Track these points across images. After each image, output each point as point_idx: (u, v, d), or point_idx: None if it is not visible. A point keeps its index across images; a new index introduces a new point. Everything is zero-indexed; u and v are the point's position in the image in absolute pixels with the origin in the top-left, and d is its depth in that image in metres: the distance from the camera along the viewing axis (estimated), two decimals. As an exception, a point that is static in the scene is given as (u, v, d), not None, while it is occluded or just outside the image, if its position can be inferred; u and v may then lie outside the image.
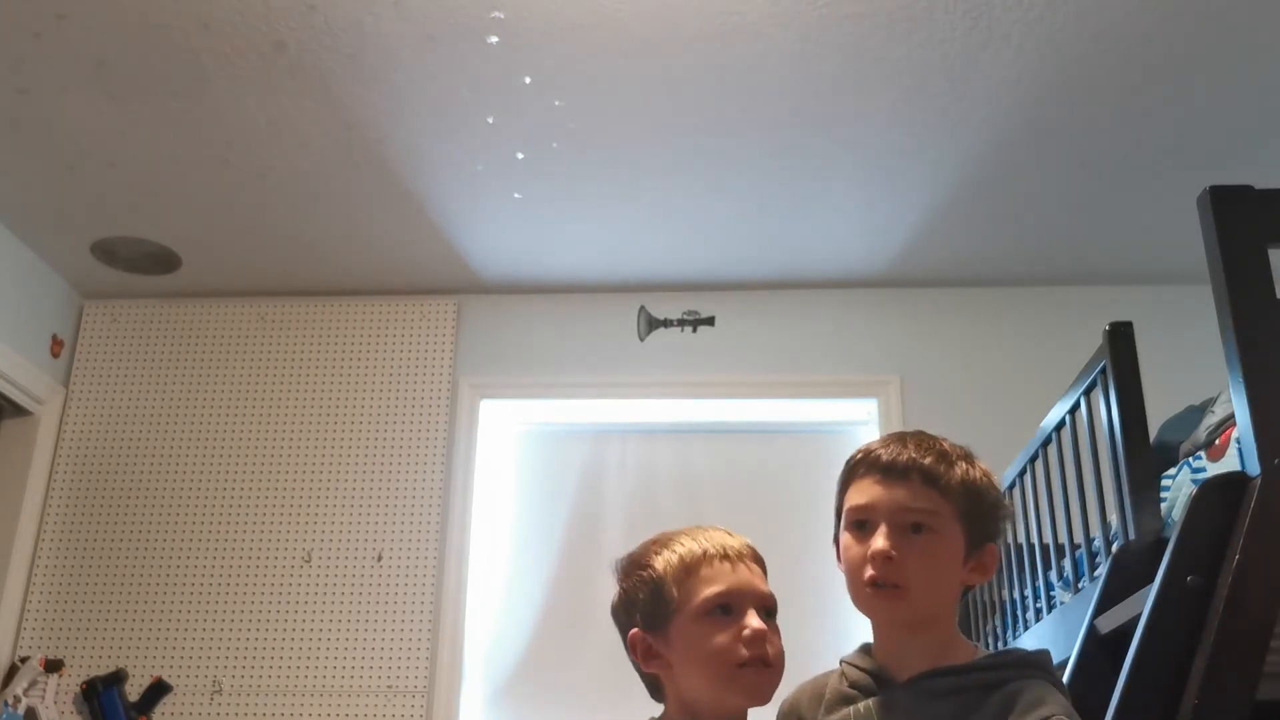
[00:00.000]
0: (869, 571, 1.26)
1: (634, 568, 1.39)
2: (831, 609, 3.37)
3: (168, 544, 3.64)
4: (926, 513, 1.26)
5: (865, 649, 1.36)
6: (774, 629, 1.32)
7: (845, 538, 1.31)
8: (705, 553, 1.34)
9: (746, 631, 1.28)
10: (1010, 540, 2.72)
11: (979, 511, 1.29)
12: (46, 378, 3.73)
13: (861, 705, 1.28)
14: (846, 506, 1.33)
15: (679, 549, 1.35)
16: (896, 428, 3.60)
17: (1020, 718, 1.16)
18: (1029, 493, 2.51)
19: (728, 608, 1.30)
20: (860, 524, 1.29)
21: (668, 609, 1.33)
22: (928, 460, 1.29)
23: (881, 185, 3.28)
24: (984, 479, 1.31)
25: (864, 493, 1.30)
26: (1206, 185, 1.61)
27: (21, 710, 3.32)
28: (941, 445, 1.33)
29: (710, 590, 1.31)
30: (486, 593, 3.67)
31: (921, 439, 1.33)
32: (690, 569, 1.33)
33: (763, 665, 1.28)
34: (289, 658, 3.50)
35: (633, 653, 1.36)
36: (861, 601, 1.29)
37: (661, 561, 1.35)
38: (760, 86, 2.85)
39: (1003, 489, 1.37)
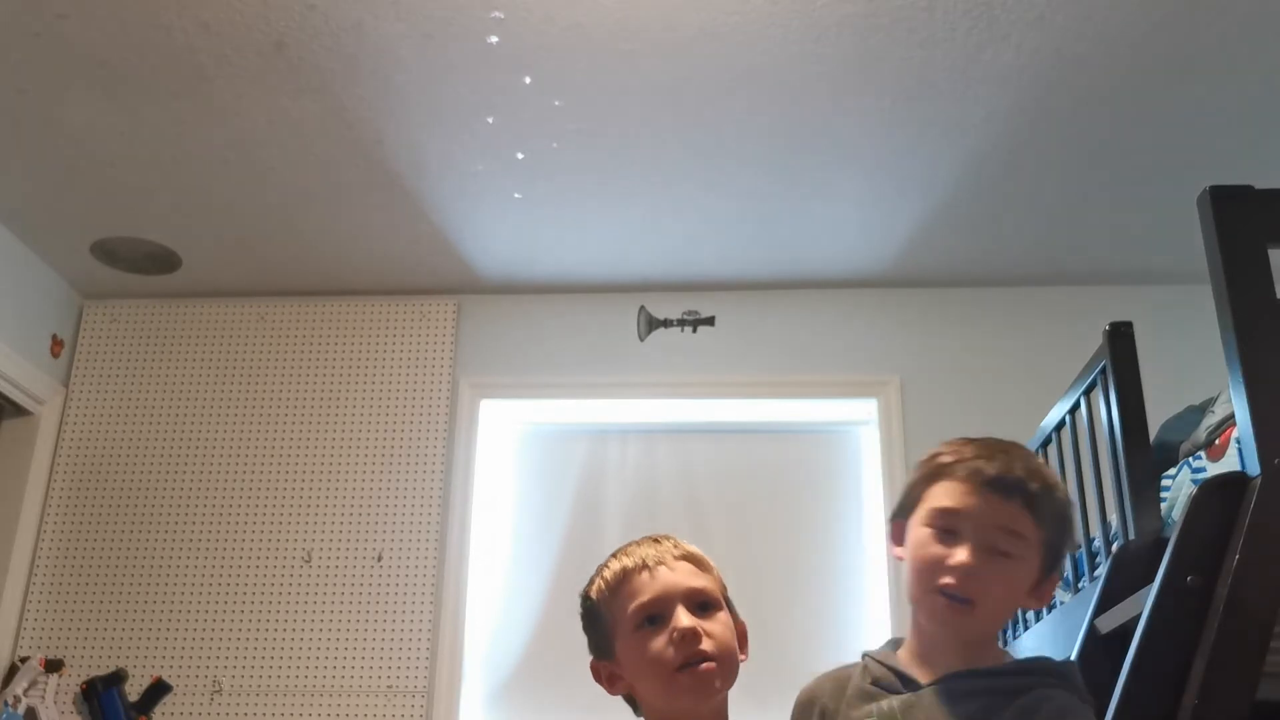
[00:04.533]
0: (945, 579, 1.23)
1: (581, 601, 1.43)
2: (830, 606, 3.35)
3: (168, 544, 3.64)
4: (1017, 537, 1.24)
5: (894, 644, 1.36)
6: (714, 619, 1.32)
7: (923, 533, 1.27)
8: (625, 569, 1.36)
9: (675, 634, 1.29)
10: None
11: (1061, 543, 1.28)
12: (46, 378, 3.73)
13: (885, 704, 1.27)
14: (932, 505, 1.28)
15: (605, 572, 1.39)
16: (897, 428, 3.64)
17: None
18: (1029, 493, 2.50)
19: (654, 617, 1.32)
20: (946, 527, 1.26)
21: (610, 633, 1.36)
22: (1034, 486, 1.25)
23: (881, 185, 3.28)
24: (1071, 509, 1.31)
25: (959, 497, 1.26)
26: (1206, 185, 1.61)
27: (21, 710, 3.32)
28: (1046, 471, 1.30)
29: (633, 605, 1.33)
30: (486, 593, 3.67)
31: (1028, 458, 1.29)
32: (615, 589, 1.36)
33: (700, 662, 1.28)
34: (289, 658, 3.50)
35: (597, 681, 1.39)
36: (925, 604, 1.27)
37: (595, 589, 1.39)
38: (760, 86, 2.85)
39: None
